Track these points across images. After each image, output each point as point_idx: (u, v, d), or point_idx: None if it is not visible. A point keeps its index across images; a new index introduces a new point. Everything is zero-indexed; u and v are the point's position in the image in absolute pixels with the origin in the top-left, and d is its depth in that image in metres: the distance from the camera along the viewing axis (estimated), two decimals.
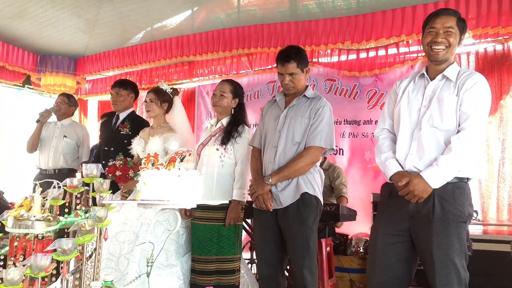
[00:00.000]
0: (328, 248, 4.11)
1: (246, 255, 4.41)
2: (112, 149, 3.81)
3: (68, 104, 4.62)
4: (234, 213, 2.96)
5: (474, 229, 3.79)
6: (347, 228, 4.68)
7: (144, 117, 4.41)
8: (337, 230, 4.78)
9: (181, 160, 1.79)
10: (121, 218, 3.11)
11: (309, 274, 2.61)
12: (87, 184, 2.07)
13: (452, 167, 2.07)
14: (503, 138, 4.18)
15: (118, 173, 3.14)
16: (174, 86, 6.22)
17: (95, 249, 1.82)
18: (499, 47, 4.24)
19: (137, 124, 3.87)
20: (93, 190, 2.06)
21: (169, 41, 5.37)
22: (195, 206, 1.92)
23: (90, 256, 1.83)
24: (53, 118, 4.62)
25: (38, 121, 4.47)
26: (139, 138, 3.50)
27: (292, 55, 2.78)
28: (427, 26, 2.24)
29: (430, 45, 2.21)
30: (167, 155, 1.86)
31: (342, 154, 5.07)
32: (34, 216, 1.80)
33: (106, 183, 1.97)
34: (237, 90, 3.19)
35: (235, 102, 3.17)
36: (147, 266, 1.76)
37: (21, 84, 6.46)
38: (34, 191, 1.90)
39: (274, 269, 2.76)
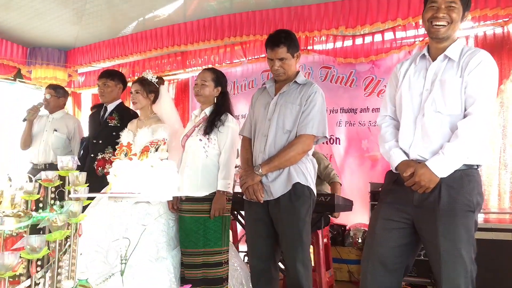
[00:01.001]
0: (325, 240, 4.01)
1: (243, 247, 4.31)
2: (100, 141, 3.70)
3: (56, 96, 4.47)
4: (219, 204, 2.85)
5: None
6: (344, 218, 4.58)
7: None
8: (335, 220, 4.69)
9: (156, 150, 1.67)
10: (110, 209, 3.00)
11: (302, 267, 2.50)
12: (63, 178, 1.95)
13: (459, 154, 1.94)
14: (503, 124, 4.06)
15: (108, 166, 3.03)
16: (168, 77, 6.22)
17: (69, 245, 1.71)
18: (498, 31, 4.11)
19: (125, 115, 3.74)
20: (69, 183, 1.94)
21: (160, 30, 5.26)
22: (171, 198, 1.80)
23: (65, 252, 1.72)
24: (45, 111, 4.50)
25: (24, 119, 4.35)
26: (127, 131, 3.39)
27: (281, 39, 2.64)
28: (428, 1, 2.09)
29: (430, 21, 2.05)
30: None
31: (339, 144, 4.96)
32: (3, 212, 1.69)
33: (82, 176, 1.86)
34: (219, 79, 3.07)
35: (218, 90, 3.06)
36: (121, 263, 1.65)
37: (12, 78, 6.36)
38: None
39: (266, 262, 2.65)
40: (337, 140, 4.97)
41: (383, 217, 2.14)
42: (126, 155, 1.73)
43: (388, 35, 4.46)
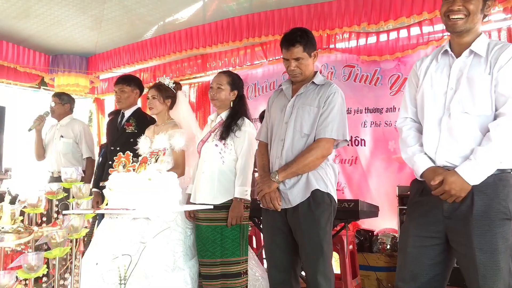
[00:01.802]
0: (350, 246, 3.85)
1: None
2: (118, 148, 3.64)
3: (61, 103, 4.49)
4: (236, 212, 2.74)
5: None
6: (372, 223, 4.40)
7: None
8: (362, 226, 4.52)
9: (156, 161, 1.56)
10: (127, 222, 2.94)
11: (323, 280, 2.35)
12: (68, 190, 1.87)
13: (492, 159, 1.77)
14: None
15: None
16: (189, 81, 6.16)
17: (71, 262, 1.62)
18: None
19: (142, 121, 3.69)
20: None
21: (179, 33, 5.19)
22: (172, 214, 1.69)
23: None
24: (54, 120, 4.54)
25: (30, 129, 4.38)
26: (144, 137, 3.34)
27: (297, 38, 2.50)
28: None
29: (447, 14, 1.90)
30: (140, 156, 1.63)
31: (364, 145, 4.77)
32: (3, 228, 1.61)
33: (85, 188, 1.77)
34: (235, 82, 2.96)
35: (234, 94, 2.95)
36: (120, 284, 1.54)
37: (37, 86, 6.44)
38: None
39: (286, 274, 2.51)
40: (362, 141, 4.79)
41: (414, 234, 1.97)
42: (124, 166, 1.63)
43: (414, 30, 4.25)
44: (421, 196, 1.99)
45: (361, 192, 4.75)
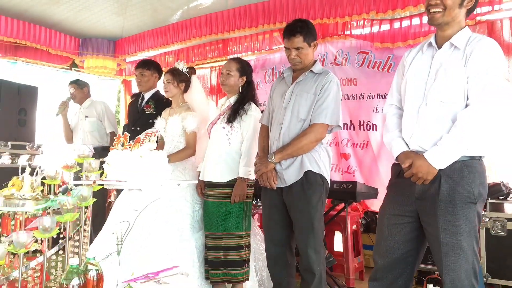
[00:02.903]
0: (354, 226, 4.03)
1: None
2: (138, 128, 3.90)
3: (79, 88, 4.78)
4: (239, 190, 2.96)
5: None
6: (379, 205, 4.53)
7: None
8: (369, 208, 4.67)
9: (149, 141, 1.79)
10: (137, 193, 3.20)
11: (313, 253, 2.57)
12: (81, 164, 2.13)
13: (458, 146, 1.91)
14: None
15: None
16: (210, 64, 6.37)
17: (80, 226, 1.88)
18: None
19: (161, 103, 3.93)
20: None
21: (199, 19, 5.38)
22: (161, 186, 1.93)
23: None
24: (76, 104, 4.86)
25: (57, 114, 4.73)
26: (161, 118, 3.57)
27: (298, 29, 2.68)
28: None
29: (428, 8, 2.05)
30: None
31: (376, 130, 4.88)
32: (24, 195, 1.89)
33: (96, 163, 2.02)
34: (244, 68, 3.15)
35: (243, 80, 3.14)
36: (117, 244, 1.79)
37: (68, 67, 6.80)
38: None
39: (281, 247, 2.74)
40: (374, 126, 4.90)
41: (388, 213, 2.14)
42: (122, 145, 1.87)
43: (426, 18, 4.29)
44: (397, 178, 2.15)
45: (371, 175, 4.87)
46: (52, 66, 6.59)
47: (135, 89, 7.54)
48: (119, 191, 4.20)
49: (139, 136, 1.88)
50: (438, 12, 2.01)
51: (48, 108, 6.20)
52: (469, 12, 2.11)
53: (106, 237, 2.97)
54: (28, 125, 4.80)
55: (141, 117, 3.98)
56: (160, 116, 3.62)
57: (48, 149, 5.40)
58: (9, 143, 4.20)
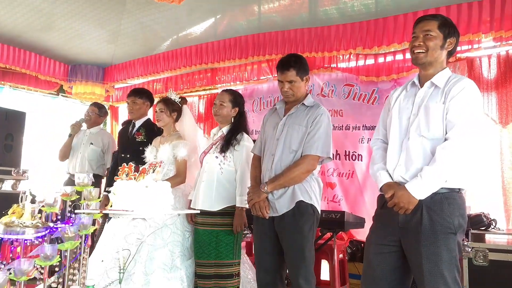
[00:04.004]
0: (340, 255, 4.09)
1: None
2: (128, 156, 3.94)
3: (99, 114, 4.86)
4: (238, 220, 3.03)
5: (493, 238, 3.68)
6: (364, 235, 4.61)
7: None
8: (354, 237, 4.74)
9: (153, 171, 1.85)
10: (128, 222, 3.22)
11: (304, 283, 2.61)
12: (80, 193, 2.17)
13: (436, 178, 2.02)
14: None
15: None
16: (198, 93, 6.47)
17: (80, 254, 1.91)
18: None
19: (151, 131, 3.98)
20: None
21: (190, 49, 5.50)
22: (165, 216, 1.98)
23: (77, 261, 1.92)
24: (83, 126, 4.88)
25: (70, 135, 4.76)
26: (151, 147, 3.62)
27: (291, 63, 2.80)
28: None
29: (412, 49, 2.21)
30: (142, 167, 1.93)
31: (361, 160, 5.00)
32: (24, 223, 1.91)
33: (95, 191, 2.07)
34: (236, 99, 3.25)
35: (235, 111, 3.23)
36: (119, 273, 1.83)
37: (55, 93, 6.81)
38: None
39: (272, 276, 2.78)
40: (360, 156, 5.02)
41: (374, 242, 2.24)
42: (127, 175, 1.92)
43: (409, 54, 4.49)
44: (382, 209, 2.26)
45: (357, 204, 4.96)
46: (40, 92, 6.60)
47: (122, 116, 7.61)
48: (104, 218, 4.22)
49: (144, 167, 1.94)
50: (422, 52, 2.17)
51: (35, 133, 6.21)
52: (450, 54, 2.27)
53: (95, 265, 2.98)
54: (15, 151, 4.78)
55: (132, 144, 4.02)
56: (150, 144, 3.68)
57: (35, 175, 5.38)
58: None
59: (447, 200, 2.06)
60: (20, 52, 5.75)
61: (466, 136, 2.04)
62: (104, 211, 1.88)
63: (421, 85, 2.23)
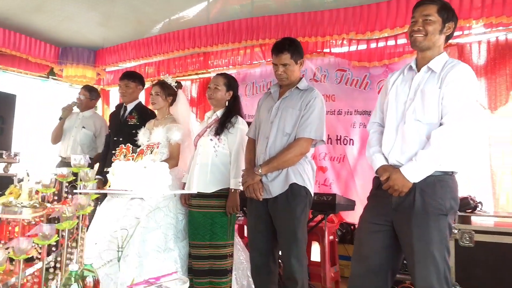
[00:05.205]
0: (331, 237, 4.16)
1: None
2: (121, 139, 3.93)
3: (90, 98, 4.82)
4: (232, 201, 3.06)
5: (479, 220, 3.77)
6: (354, 217, 4.69)
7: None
8: (344, 219, 4.82)
9: (151, 152, 1.88)
10: (124, 203, 3.24)
11: (296, 262, 2.67)
12: (76, 174, 2.19)
13: (430, 161, 2.07)
14: None
15: None
16: (191, 77, 6.45)
17: (77, 234, 1.94)
18: (511, 36, 4.13)
19: (144, 114, 3.99)
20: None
21: (183, 32, 5.47)
22: (162, 196, 2.01)
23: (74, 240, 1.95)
24: (76, 109, 4.85)
25: (61, 118, 4.73)
26: (144, 129, 3.63)
27: (285, 46, 2.82)
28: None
29: (411, 34, 2.23)
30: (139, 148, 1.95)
31: (353, 145, 5.05)
32: (21, 203, 1.93)
33: (92, 172, 2.09)
34: (231, 83, 3.26)
35: (229, 94, 3.25)
36: (118, 251, 1.86)
37: (46, 75, 6.75)
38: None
39: (266, 257, 2.83)
40: (351, 141, 5.07)
41: (367, 221, 2.29)
42: (125, 156, 1.94)
43: (401, 40, 4.53)
44: (376, 190, 2.31)
45: (348, 188, 5.03)
46: (30, 74, 6.54)
47: (113, 99, 7.57)
48: (98, 200, 4.23)
49: (141, 148, 1.96)
50: (420, 36, 2.19)
51: (25, 116, 6.16)
52: (448, 38, 2.30)
53: (88, 247, 3.01)
54: (5, 133, 4.77)
55: (124, 127, 4.02)
56: (143, 127, 3.69)
57: (26, 157, 5.36)
58: None
59: (440, 182, 2.11)
60: (10, 34, 5.66)
61: (461, 122, 2.08)
62: (104, 191, 1.91)
63: (418, 69, 2.26)
